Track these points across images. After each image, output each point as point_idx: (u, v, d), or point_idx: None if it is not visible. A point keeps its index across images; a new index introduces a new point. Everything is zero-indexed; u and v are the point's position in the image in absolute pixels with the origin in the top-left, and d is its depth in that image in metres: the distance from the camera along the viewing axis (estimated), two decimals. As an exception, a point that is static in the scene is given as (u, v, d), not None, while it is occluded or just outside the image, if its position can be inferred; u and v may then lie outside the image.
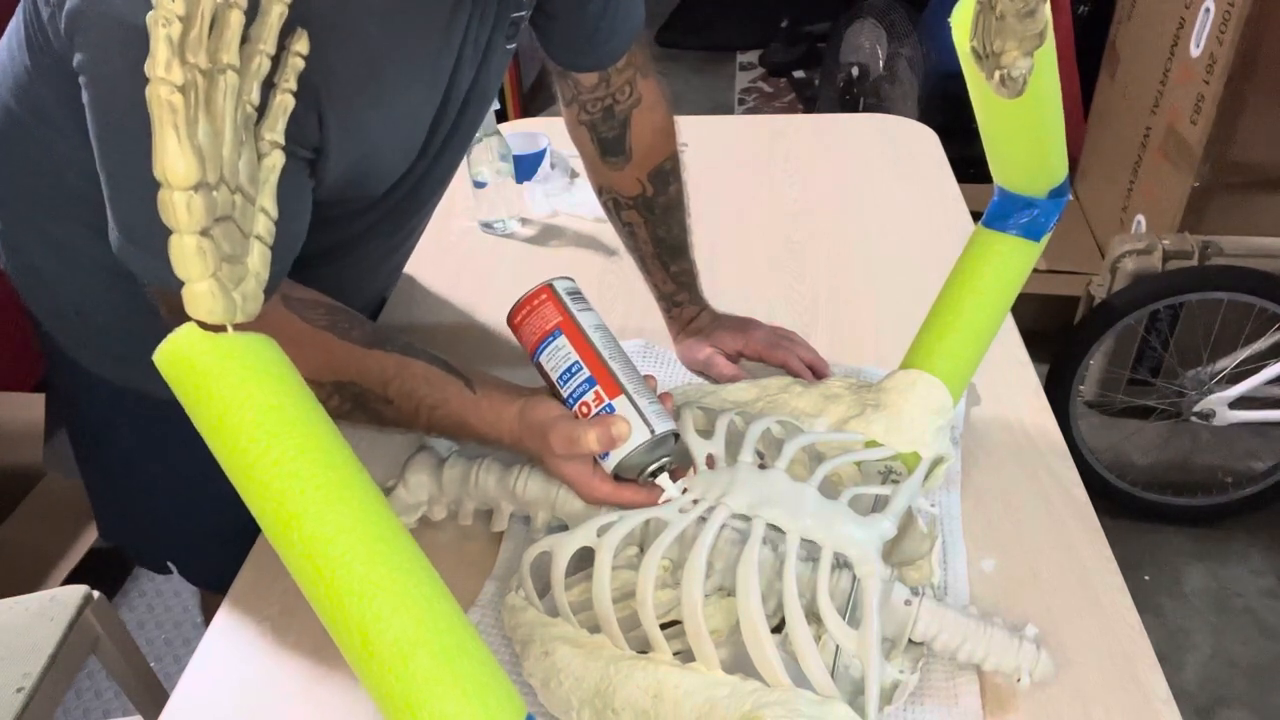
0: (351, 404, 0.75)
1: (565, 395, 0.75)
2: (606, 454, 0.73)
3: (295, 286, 0.74)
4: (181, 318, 0.69)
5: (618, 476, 0.75)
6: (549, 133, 1.48)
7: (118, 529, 1.14)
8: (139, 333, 0.68)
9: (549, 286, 0.78)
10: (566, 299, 0.78)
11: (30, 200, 0.84)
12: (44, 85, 0.74)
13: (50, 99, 0.74)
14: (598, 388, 0.74)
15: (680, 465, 0.77)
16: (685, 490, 0.74)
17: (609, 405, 0.74)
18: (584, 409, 0.74)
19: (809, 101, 3.69)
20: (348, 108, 0.69)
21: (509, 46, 0.84)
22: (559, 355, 0.75)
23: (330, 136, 0.69)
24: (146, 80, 0.45)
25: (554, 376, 0.76)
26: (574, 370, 0.75)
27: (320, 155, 0.70)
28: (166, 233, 0.46)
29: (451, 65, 0.77)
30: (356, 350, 0.74)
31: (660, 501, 0.74)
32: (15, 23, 0.77)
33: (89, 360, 0.94)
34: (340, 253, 0.89)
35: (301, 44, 0.54)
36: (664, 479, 0.74)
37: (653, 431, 0.73)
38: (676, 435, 0.76)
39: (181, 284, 0.47)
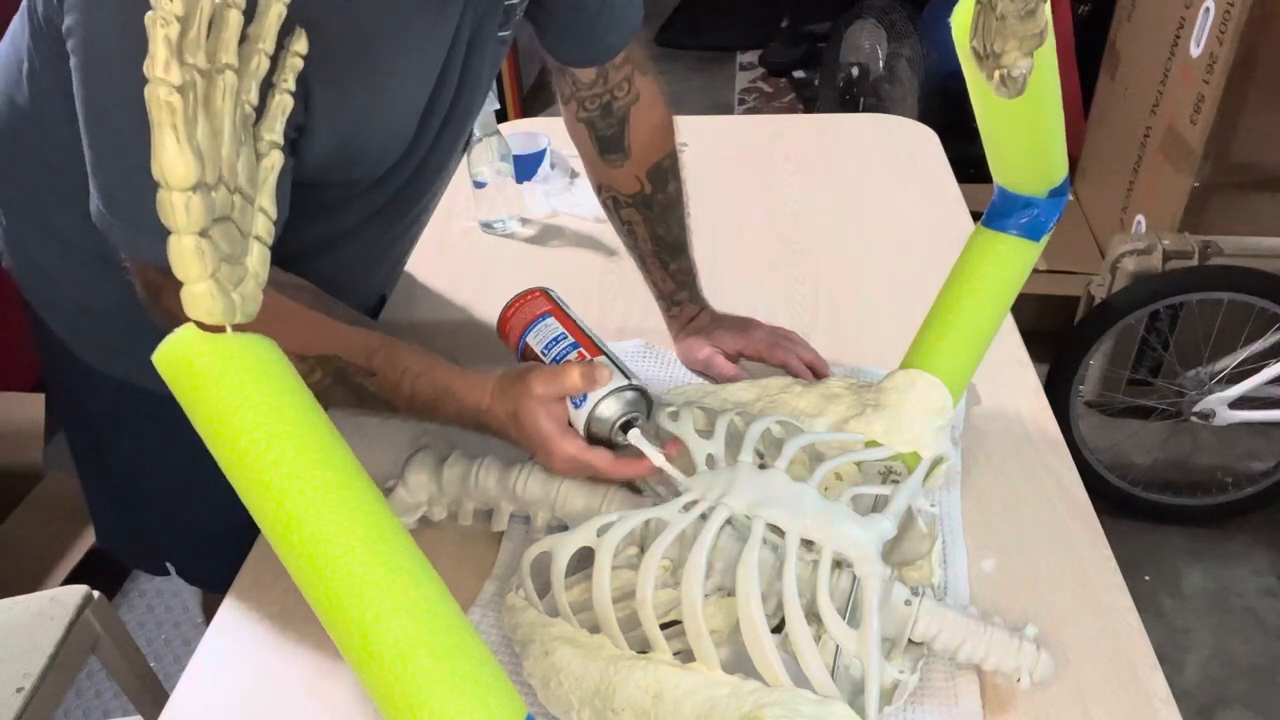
0: (333, 378, 0.75)
1: (549, 360, 0.81)
2: (583, 400, 0.75)
3: (280, 271, 0.74)
4: (157, 295, 0.69)
5: (591, 438, 0.76)
6: (549, 133, 1.48)
7: (115, 530, 1.14)
8: (139, 325, 0.68)
9: (542, 289, 0.87)
10: (557, 299, 0.87)
11: (31, 193, 0.85)
12: (44, 71, 0.74)
13: (50, 85, 0.74)
14: (580, 349, 0.81)
15: (664, 437, 0.78)
16: (663, 448, 0.76)
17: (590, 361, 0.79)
18: None
19: (809, 101, 3.69)
20: (335, 85, 0.69)
21: (501, 34, 0.84)
22: (546, 330, 0.82)
23: (316, 113, 0.69)
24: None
25: (539, 349, 0.82)
26: (559, 339, 0.81)
27: (303, 133, 0.70)
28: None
29: (444, 50, 0.77)
30: (342, 325, 0.75)
31: (646, 467, 0.76)
32: (19, 12, 0.77)
33: (89, 354, 0.94)
34: (339, 244, 0.89)
35: (300, 44, 0.54)
36: (634, 433, 0.76)
37: (629, 378, 0.77)
38: (649, 401, 0.79)
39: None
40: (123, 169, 0.66)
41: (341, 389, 0.75)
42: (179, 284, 0.46)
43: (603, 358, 0.79)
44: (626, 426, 0.76)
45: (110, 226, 0.67)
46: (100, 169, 0.66)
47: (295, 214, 0.73)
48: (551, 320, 0.83)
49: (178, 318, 0.47)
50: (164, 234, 0.46)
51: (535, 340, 0.83)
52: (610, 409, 0.76)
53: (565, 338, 0.81)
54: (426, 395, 0.76)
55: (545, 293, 0.86)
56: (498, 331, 0.88)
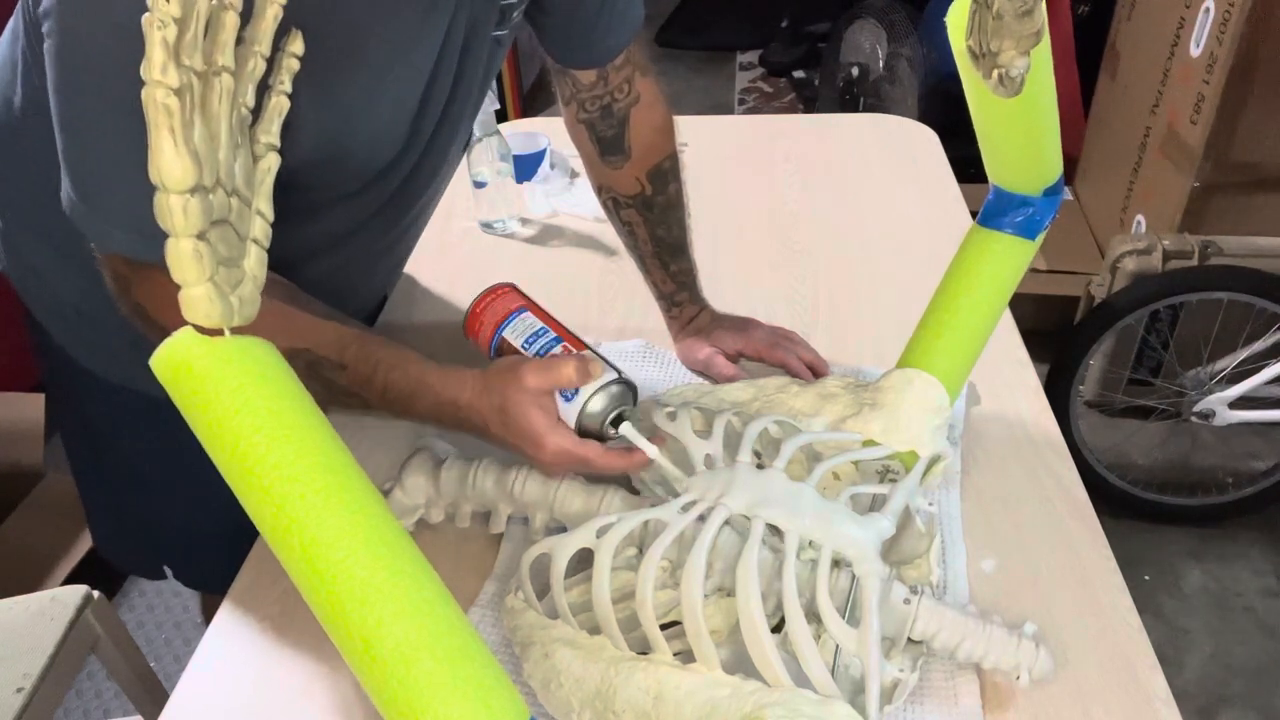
0: (303, 373, 0.73)
1: (531, 354, 0.79)
2: (574, 395, 0.74)
3: None
4: (126, 288, 0.68)
5: (581, 432, 0.75)
6: (549, 133, 1.48)
7: (112, 536, 1.13)
8: (136, 329, 0.68)
9: (509, 284, 0.85)
10: (527, 295, 0.84)
11: (29, 197, 0.84)
12: (36, 69, 0.74)
13: (43, 85, 0.74)
14: (564, 343, 0.79)
15: (652, 433, 0.78)
16: (652, 439, 0.76)
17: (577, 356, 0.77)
18: None
19: (809, 101, 3.69)
20: (322, 79, 0.68)
21: (496, 33, 0.84)
22: (523, 325, 0.80)
23: (300, 107, 0.67)
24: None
25: (519, 344, 0.80)
26: (540, 334, 0.80)
27: (286, 127, 0.69)
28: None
29: (436, 51, 0.77)
30: (313, 318, 0.73)
31: (640, 462, 0.76)
32: (14, 13, 0.77)
33: (87, 358, 0.94)
34: (337, 246, 0.89)
35: (296, 45, 0.54)
36: (626, 426, 0.75)
37: (619, 372, 0.76)
38: (634, 394, 0.78)
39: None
40: (96, 157, 0.63)
41: (313, 384, 0.73)
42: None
43: (588, 352, 0.78)
44: (617, 420, 0.76)
45: (79, 215, 0.65)
46: (72, 157, 0.64)
47: (292, 216, 0.72)
48: (528, 315, 0.81)
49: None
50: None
51: (513, 335, 0.80)
52: (602, 402, 0.75)
53: (546, 332, 0.80)
54: (400, 389, 0.74)
55: (514, 288, 0.84)
56: (464, 329, 0.84)
